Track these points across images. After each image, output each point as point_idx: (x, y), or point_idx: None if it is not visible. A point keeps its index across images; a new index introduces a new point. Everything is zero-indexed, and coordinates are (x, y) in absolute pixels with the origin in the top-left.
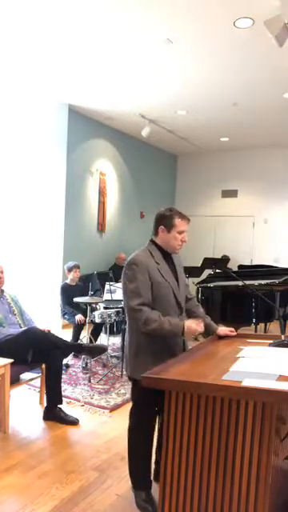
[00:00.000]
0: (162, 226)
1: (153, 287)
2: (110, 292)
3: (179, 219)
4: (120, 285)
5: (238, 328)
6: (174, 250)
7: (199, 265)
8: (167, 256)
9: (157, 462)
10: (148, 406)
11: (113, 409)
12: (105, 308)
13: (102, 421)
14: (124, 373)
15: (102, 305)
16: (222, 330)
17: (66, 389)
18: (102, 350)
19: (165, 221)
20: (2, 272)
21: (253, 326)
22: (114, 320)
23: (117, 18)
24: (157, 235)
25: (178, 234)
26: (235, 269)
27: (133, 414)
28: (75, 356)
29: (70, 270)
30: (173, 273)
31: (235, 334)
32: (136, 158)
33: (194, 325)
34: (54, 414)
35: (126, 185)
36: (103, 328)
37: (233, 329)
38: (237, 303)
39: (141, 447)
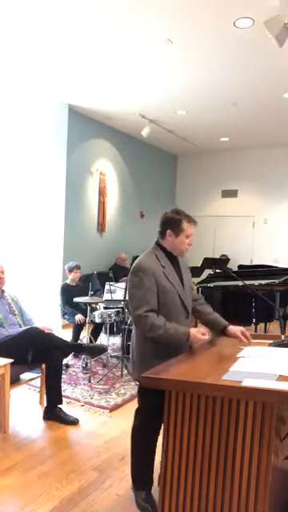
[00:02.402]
0: (169, 230)
1: (159, 291)
2: (110, 292)
3: (187, 223)
4: (120, 285)
5: None
6: (182, 254)
7: (199, 265)
8: (173, 258)
9: None
10: (154, 408)
11: (113, 409)
12: (105, 308)
13: (101, 421)
14: (124, 372)
15: (101, 305)
16: (233, 329)
17: (66, 389)
18: (102, 350)
19: (173, 225)
20: (2, 272)
21: (253, 325)
22: (114, 320)
23: (117, 17)
24: (164, 238)
25: (185, 238)
26: (235, 269)
27: (138, 415)
28: (75, 356)
29: (70, 270)
30: (178, 275)
31: (247, 340)
32: (136, 158)
33: (199, 335)
34: (54, 413)
35: (126, 185)
36: (103, 328)
37: (244, 329)
38: (237, 303)
39: (143, 448)
